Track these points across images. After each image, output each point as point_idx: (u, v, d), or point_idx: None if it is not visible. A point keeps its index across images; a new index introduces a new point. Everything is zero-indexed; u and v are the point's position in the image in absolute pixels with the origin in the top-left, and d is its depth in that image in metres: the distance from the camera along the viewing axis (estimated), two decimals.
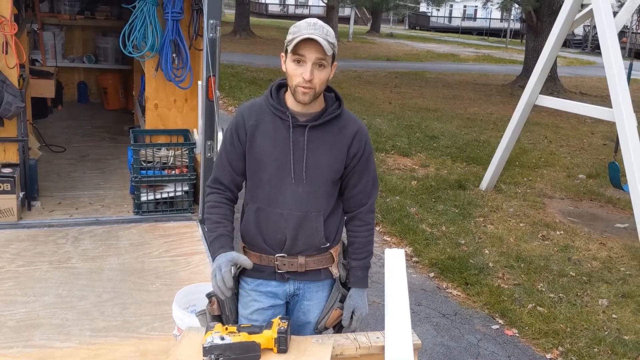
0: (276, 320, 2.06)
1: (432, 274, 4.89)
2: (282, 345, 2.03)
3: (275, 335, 2.03)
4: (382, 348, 2.22)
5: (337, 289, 2.40)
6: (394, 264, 2.81)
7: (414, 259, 5.16)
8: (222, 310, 2.31)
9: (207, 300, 2.33)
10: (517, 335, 4.02)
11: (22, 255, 4.17)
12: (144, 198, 4.84)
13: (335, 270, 2.37)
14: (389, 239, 5.61)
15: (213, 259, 2.21)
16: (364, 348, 2.23)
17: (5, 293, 3.72)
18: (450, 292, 4.58)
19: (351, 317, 2.33)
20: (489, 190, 7.16)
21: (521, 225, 6.11)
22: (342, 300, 2.39)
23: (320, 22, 2.08)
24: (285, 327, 2.03)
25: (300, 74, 2.06)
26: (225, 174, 2.28)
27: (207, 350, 1.92)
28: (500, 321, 4.19)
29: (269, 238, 2.26)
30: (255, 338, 2.01)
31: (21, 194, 4.69)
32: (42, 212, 4.85)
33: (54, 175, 5.67)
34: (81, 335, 3.41)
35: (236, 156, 2.24)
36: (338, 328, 2.43)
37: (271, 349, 2.04)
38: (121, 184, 5.55)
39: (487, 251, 5.35)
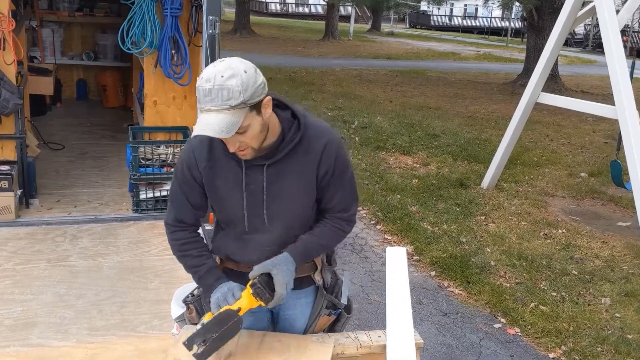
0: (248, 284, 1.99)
1: (433, 273, 4.85)
2: (263, 294, 1.91)
3: (252, 290, 1.92)
4: (384, 347, 2.19)
5: (322, 296, 2.23)
6: (396, 262, 2.77)
7: (415, 257, 5.12)
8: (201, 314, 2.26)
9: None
10: (520, 334, 3.98)
11: (19, 254, 4.13)
12: (143, 196, 4.80)
13: (318, 278, 2.21)
14: (389, 237, 5.57)
15: (209, 291, 2.05)
16: (365, 347, 2.19)
17: (3, 291, 3.68)
18: (452, 291, 4.54)
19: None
20: (491, 188, 7.12)
21: (523, 223, 6.07)
22: (329, 307, 2.25)
23: (218, 81, 1.76)
24: (258, 279, 1.94)
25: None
26: (186, 212, 2.11)
27: (188, 345, 1.86)
28: (502, 320, 4.15)
29: (247, 259, 2.13)
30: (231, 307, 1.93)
31: (19, 192, 4.65)
32: (40, 210, 4.81)
33: (53, 172, 5.64)
34: (79, 334, 3.37)
35: (195, 193, 2.08)
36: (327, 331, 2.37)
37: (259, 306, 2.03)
38: (120, 181, 5.51)
39: (488, 250, 5.31)
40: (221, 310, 1.87)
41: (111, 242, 4.40)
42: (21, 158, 4.68)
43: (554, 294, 4.53)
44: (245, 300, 1.92)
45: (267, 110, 1.86)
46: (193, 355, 1.77)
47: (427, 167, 7.95)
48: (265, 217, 2.05)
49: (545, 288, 4.62)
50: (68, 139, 6.64)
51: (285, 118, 1.98)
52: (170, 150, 4.83)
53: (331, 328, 2.29)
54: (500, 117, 11.61)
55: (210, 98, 1.76)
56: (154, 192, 4.82)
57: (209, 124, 1.77)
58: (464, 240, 5.48)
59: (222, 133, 1.77)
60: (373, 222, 5.93)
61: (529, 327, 4.04)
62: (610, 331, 4.02)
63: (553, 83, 14.70)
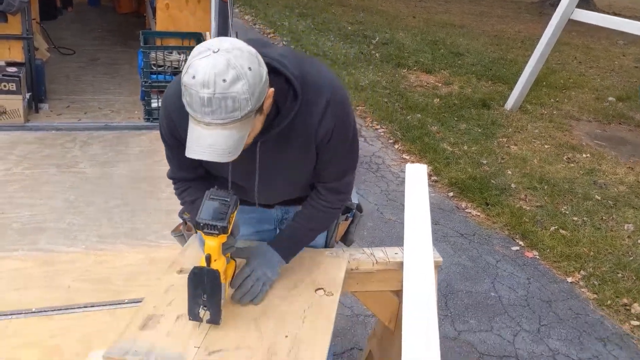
0: None
1: (451, 194, 4.72)
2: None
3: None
4: (401, 264, 2.07)
5: None
6: (415, 179, 2.64)
7: (433, 178, 4.98)
8: None
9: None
10: (538, 257, 3.88)
11: (28, 158, 4.04)
12: (154, 104, 4.64)
13: None
14: (407, 157, 5.41)
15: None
16: (381, 264, 2.08)
17: (11, 196, 3.62)
18: (470, 212, 4.42)
19: (246, 277, 1.77)
20: (514, 110, 6.87)
21: (546, 146, 5.87)
22: (344, 211, 2.10)
23: (220, 88, 1.36)
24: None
25: None
26: (183, 171, 1.87)
27: (193, 318, 1.63)
28: (520, 243, 4.04)
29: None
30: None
31: (28, 95, 4.51)
32: (49, 115, 4.69)
33: (63, 78, 5.47)
34: (88, 241, 3.32)
35: (184, 154, 1.68)
36: (343, 239, 2.26)
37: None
38: (132, 90, 5.35)
39: (509, 172, 5.14)
40: (189, 272, 1.60)
41: (122, 150, 4.28)
42: (29, 60, 4.50)
43: (575, 218, 4.39)
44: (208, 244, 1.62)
45: (268, 102, 1.51)
46: (208, 322, 1.65)
47: (450, 86, 7.67)
48: (256, 199, 1.85)
49: (567, 212, 4.48)
50: (79, 45, 6.42)
51: (279, 88, 1.56)
52: (182, 56, 4.62)
53: (347, 231, 2.19)
54: (527, 37, 11.13)
55: (210, 110, 1.37)
56: None
57: (212, 145, 1.41)
58: (485, 161, 5.31)
59: (230, 156, 1.44)
60: (391, 141, 5.75)
61: (548, 250, 3.93)
62: (632, 258, 3.90)
63: (584, 4, 13.99)
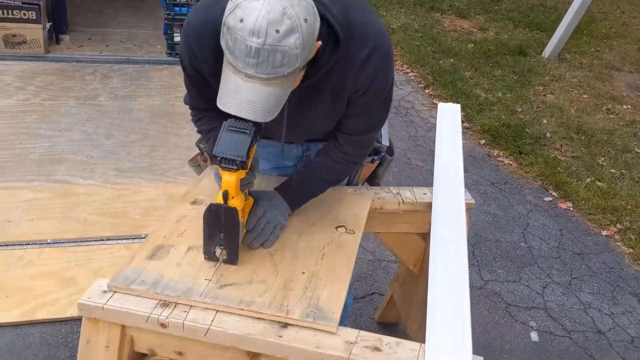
0: None
1: (482, 141, 4.53)
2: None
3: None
4: (429, 205, 1.93)
5: None
6: (448, 118, 2.47)
7: (464, 124, 4.77)
8: None
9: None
10: (572, 209, 3.71)
11: (48, 89, 3.95)
12: (177, 38, 4.48)
13: None
14: (438, 102, 5.19)
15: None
16: (407, 204, 1.94)
17: (29, 126, 3.54)
18: (502, 161, 4.24)
19: (258, 219, 1.60)
20: (552, 58, 6.55)
21: (584, 96, 5.59)
22: (370, 152, 1.91)
23: (272, 38, 1.20)
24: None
25: None
26: (201, 100, 1.68)
27: (209, 257, 1.52)
28: (554, 193, 3.86)
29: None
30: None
31: (48, 25, 4.39)
32: (70, 47, 4.57)
33: (85, 10, 5.33)
34: (106, 174, 3.25)
35: (205, 86, 1.59)
36: (369, 182, 2.09)
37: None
38: (155, 24, 5.19)
39: (545, 121, 4.91)
40: (206, 209, 1.46)
41: (143, 85, 4.17)
42: None
43: (613, 170, 4.18)
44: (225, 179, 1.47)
45: (311, 54, 1.32)
46: (224, 262, 1.52)
47: (485, 32, 7.34)
48: (282, 144, 1.72)
49: (604, 164, 4.26)
50: None
51: (321, 33, 1.34)
52: None
53: (373, 175, 2.02)
54: None
55: (255, 61, 1.21)
56: None
57: (250, 101, 1.27)
58: (519, 109, 5.08)
59: (269, 115, 1.30)
60: (421, 85, 5.53)
61: (583, 202, 3.75)
62: None
63: None
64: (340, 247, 1.62)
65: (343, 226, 1.71)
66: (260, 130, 1.42)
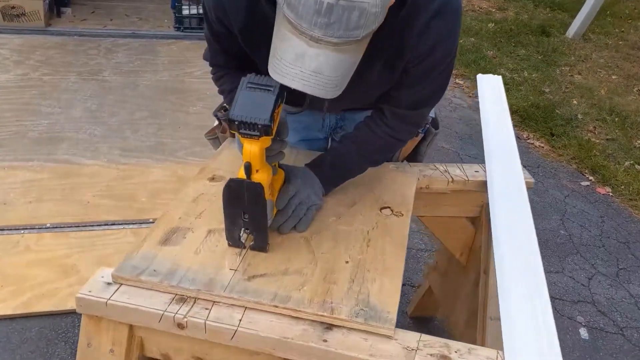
0: None
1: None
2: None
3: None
4: (483, 184, 1.67)
5: None
6: (491, 90, 2.21)
7: None
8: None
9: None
10: (611, 194, 3.44)
11: (48, 64, 3.70)
12: (185, 12, 4.22)
13: None
14: (461, 82, 4.92)
15: None
16: (458, 182, 1.68)
17: (28, 102, 3.29)
18: (532, 143, 3.96)
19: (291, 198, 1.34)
20: (577, 38, 6.25)
21: (613, 77, 5.30)
22: None
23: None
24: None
25: None
26: (224, 57, 1.44)
27: (233, 244, 1.27)
28: (590, 178, 3.59)
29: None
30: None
31: None
32: (72, 20, 4.31)
33: None
34: (110, 154, 3.00)
35: (230, 42, 1.35)
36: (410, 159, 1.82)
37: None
38: None
39: (575, 102, 4.63)
40: (225, 186, 1.19)
41: (149, 60, 3.91)
42: None
43: None
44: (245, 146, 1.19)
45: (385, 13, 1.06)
46: (252, 249, 1.25)
47: (504, 11, 7.04)
48: (323, 114, 1.49)
49: None
50: None
51: None
52: None
53: (415, 151, 1.75)
54: None
55: (326, 21, 0.96)
56: (197, 9, 4.22)
57: (316, 71, 1.02)
58: (547, 90, 4.80)
59: (337, 90, 1.07)
60: None
61: (623, 187, 3.48)
62: None
63: None
64: (387, 231, 1.36)
65: (388, 207, 1.46)
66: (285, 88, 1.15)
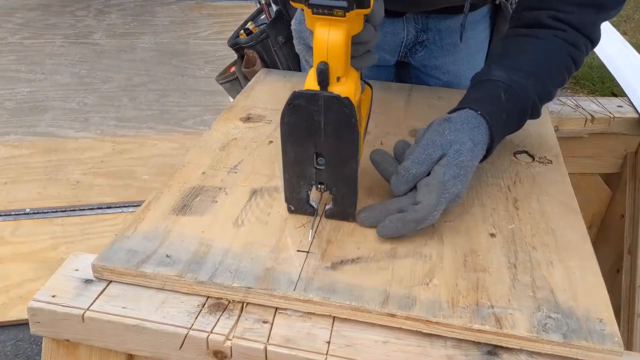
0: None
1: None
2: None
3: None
4: (634, 123, 1.16)
5: (504, 20, 1.17)
6: None
7: None
8: (267, 62, 1.21)
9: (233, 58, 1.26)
10: None
11: (29, 27, 3.20)
12: None
13: None
14: None
15: None
16: (600, 122, 1.16)
17: (5, 68, 2.80)
18: None
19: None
20: None
21: None
22: None
23: None
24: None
25: None
26: None
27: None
28: None
29: None
30: None
31: None
32: None
33: None
34: (104, 125, 2.50)
35: None
36: None
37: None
38: None
39: None
40: (287, 104, 0.67)
41: (147, 21, 3.40)
42: None
43: None
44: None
45: None
46: (328, 216, 0.71)
47: None
48: (404, 19, 1.09)
49: None
50: None
51: None
52: None
53: None
54: None
55: None
56: None
57: None
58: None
59: None
60: None
61: None
62: None
63: None
64: (539, 186, 0.85)
65: (525, 152, 0.94)
66: None
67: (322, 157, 0.69)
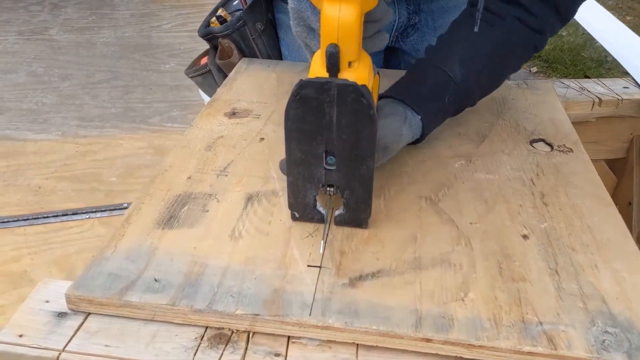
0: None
1: (534, 69, 3.75)
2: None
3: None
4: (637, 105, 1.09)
5: None
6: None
7: None
8: (245, 51, 1.11)
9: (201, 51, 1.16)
10: None
11: None
12: None
13: None
14: None
15: None
16: (608, 104, 1.09)
17: None
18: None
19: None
20: None
21: (628, 18, 4.81)
22: None
23: None
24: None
25: None
26: None
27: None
28: None
29: None
30: None
31: None
32: None
33: None
34: (65, 125, 2.35)
35: None
36: None
37: None
38: None
39: (597, 44, 4.10)
40: (293, 94, 0.57)
41: (107, 14, 3.23)
42: None
43: None
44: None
45: None
46: (338, 223, 0.61)
47: None
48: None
49: None
50: None
51: None
52: None
53: None
54: None
55: None
56: None
57: None
58: (564, 33, 4.27)
59: None
60: None
61: None
62: None
63: None
64: (564, 177, 0.76)
65: (542, 140, 0.85)
66: None
67: (332, 156, 0.60)
